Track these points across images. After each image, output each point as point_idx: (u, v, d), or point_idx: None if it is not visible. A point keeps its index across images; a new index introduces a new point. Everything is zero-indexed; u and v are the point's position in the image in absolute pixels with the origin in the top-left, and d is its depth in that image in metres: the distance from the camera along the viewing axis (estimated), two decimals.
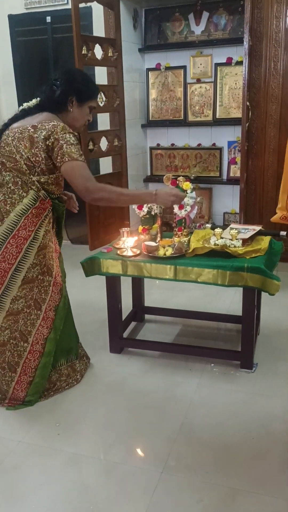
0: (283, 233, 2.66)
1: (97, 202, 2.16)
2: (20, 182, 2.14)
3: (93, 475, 1.95)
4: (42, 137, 2.06)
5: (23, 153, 2.09)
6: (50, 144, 2.07)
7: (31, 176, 2.13)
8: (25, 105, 2.25)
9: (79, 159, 2.07)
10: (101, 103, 4.06)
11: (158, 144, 4.83)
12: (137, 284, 3.16)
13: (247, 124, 3.76)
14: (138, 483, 1.89)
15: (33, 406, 2.36)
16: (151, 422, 2.24)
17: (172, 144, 4.77)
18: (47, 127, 2.08)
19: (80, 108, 2.23)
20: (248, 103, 3.71)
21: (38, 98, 2.23)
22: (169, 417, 2.27)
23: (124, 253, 2.60)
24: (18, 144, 2.10)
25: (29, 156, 2.10)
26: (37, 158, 2.10)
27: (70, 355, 2.52)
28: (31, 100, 2.27)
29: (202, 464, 1.97)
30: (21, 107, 2.25)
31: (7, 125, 2.18)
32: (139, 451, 2.10)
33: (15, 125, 2.16)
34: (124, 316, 2.93)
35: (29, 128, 2.10)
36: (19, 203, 2.14)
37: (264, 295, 2.75)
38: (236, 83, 4.31)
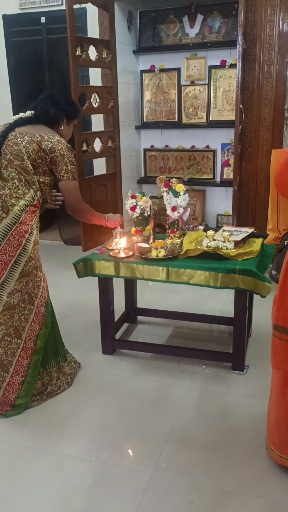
0: None
1: (79, 218, 2.54)
2: (23, 180, 2.27)
3: (83, 477, 1.94)
4: (48, 148, 2.29)
5: (31, 154, 2.26)
6: (54, 157, 2.30)
7: (35, 176, 2.29)
8: (21, 114, 2.40)
9: (77, 179, 2.38)
10: (95, 104, 4.06)
11: (152, 146, 4.84)
12: (130, 286, 3.16)
13: (240, 127, 3.78)
14: (128, 484, 1.89)
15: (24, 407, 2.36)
16: (142, 424, 2.24)
17: (166, 146, 4.78)
18: (52, 140, 2.31)
19: (68, 126, 2.50)
20: (241, 106, 3.73)
21: (32, 111, 2.41)
22: (161, 418, 2.28)
23: (117, 255, 2.60)
24: (27, 146, 2.27)
25: (36, 158, 2.28)
26: (42, 161, 2.29)
27: (58, 357, 2.53)
28: (24, 103, 2.38)
29: (193, 465, 1.98)
30: (18, 116, 2.39)
31: (11, 128, 2.33)
32: (130, 452, 2.10)
33: (21, 129, 2.32)
34: (116, 317, 2.93)
35: (37, 136, 2.30)
36: (22, 199, 2.26)
37: (256, 297, 2.76)
38: (229, 86, 4.33)
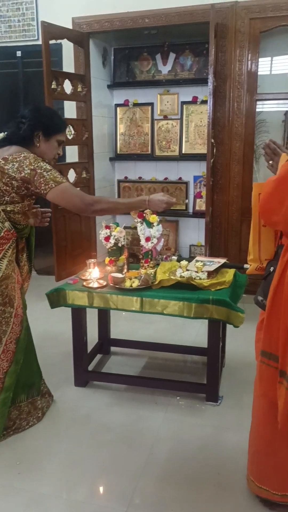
0: (247, 265, 2.71)
1: (97, 213, 2.29)
2: None
3: None
4: (15, 169, 2.10)
5: None
6: (26, 175, 2.10)
7: None
8: None
9: (63, 181, 2.14)
10: (70, 136, 4.11)
11: (126, 177, 4.91)
12: (103, 316, 3.14)
13: (212, 160, 3.88)
14: None
15: None
16: (116, 458, 2.19)
17: (140, 178, 4.86)
18: (18, 159, 2.12)
19: (48, 143, 2.27)
20: (212, 140, 3.84)
21: (5, 133, 2.26)
22: (134, 452, 2.23)
23: (90, 285, 2.59)
24: None
25: (0, 186, 2.11)
26: (7, 188, 2.12)
27: (32, 390, 2.42)
28: None
29: (167, 501, 1.93)
30: None
31: None
32: (103, 489, 2.04)
33: None
34: (89, 348, 2.89)
35: (0, 160, 2.12)
36: None
37: (229, 327, 2.78)
38: (201, 121, 4.47)
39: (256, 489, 1.89)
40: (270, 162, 1.83)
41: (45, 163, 2.14)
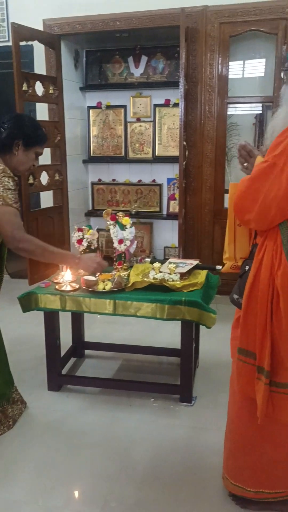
0: (219, 267, 2.74)
1: (19, 251, 2.14)
2: None
3: None
4: None
5: None
6: None
7: None
8: None
9: (13, 205, 2.07)
10: None
11: (99, 180, 4.90)
12: (77, 319, 3.12)
13: (184, 163, 3.91)
14: None
15: None
16: (91, 462, 2.18)
17: (113, 180, 4.86)
18: None
19: (26, 153, 2.24)
20: (185, 143, 3.87)
21: None
22: (110, 455, 2.22)
23: (63, 288, 2.57)
24: None
25: None
26: None
27: (2, 400, 2.39)
28: None
29: (144, 503, 1.94)
30: None
31: None
32: (79, 493, 2.03)
33: None
34: (63, 352, 2.87)
35: None
36: None
37: (202, 328, 2.81)
38: (174, 123, 4.50)
39: (231, 486, 1.91)
40: (245, 164, 1.85)
41: (9, 180, 2.08)
